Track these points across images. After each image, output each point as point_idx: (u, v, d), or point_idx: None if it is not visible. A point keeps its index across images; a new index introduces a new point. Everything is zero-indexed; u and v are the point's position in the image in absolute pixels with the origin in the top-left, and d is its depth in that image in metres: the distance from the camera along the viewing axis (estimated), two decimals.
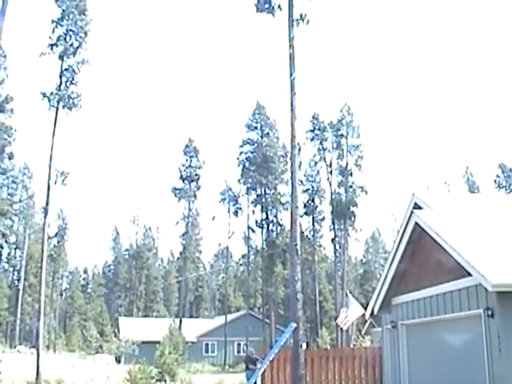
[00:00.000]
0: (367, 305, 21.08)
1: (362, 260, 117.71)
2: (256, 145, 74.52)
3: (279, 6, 34.73)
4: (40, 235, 55.89)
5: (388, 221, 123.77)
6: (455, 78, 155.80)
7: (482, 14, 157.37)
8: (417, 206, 17.38)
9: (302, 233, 69.40)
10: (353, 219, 72.03)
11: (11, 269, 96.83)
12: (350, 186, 72.02)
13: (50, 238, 79.78)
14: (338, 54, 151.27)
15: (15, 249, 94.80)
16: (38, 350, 34.52)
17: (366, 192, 72.09)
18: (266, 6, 34.63)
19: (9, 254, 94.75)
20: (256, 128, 75.77)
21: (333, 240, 74.83)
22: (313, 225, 77.75)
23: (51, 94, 42.23)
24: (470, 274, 13.41)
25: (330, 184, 74.12)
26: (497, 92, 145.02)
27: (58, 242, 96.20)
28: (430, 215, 16.40)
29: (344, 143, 73.76)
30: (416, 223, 16.80)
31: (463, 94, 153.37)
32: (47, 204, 40.87)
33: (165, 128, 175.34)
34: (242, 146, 75.07)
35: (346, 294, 33.65)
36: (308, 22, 34.37)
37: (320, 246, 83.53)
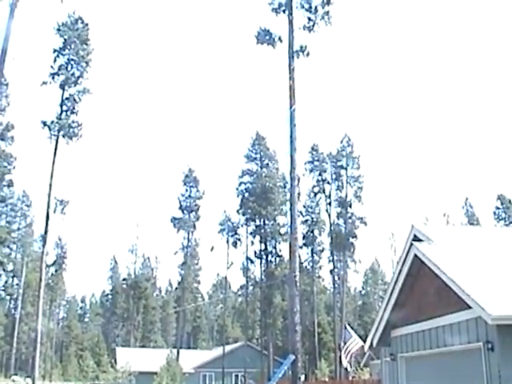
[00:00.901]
0: (366, 337, 20.94)
1: (360, 291, 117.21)
2: (255, 175, 74.56)
3: (280, 38, 35.14)
4: (38, 263, 55.81)
5: (387, 252, 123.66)
6: (454, 107, 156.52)
7: (478, 43, 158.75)
8: (416, 238, 17.35)
9: (300, 264, 69.15)
10: (352, 250, 71.93)
11: (8, 297, 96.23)
12: (350, 218, 72.01)
13: (47, 266, 79.45)
14: (337, 84, 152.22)
15: (13, 277, 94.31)
16: (33, 380, 34.29)
17: (366, 223, 72.08)
18: (267, 37, 35.03)
19: (6, 282, 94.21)
20: (255, 159, 75.86)
21: (332, 271, 74.66)
22: (312, 256, 77.64)
23: (52, 122, 42.47)
24: (469, 307, 13.34)
25: (329, 215, 74.20)
26: (496, 124, 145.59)
27: (56, 271, 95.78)
28: (430, 247, 16.38)
29: (343, 174, 73.91)
30: (415, 255, 16.76)
31: (463, 124, 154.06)
32: (46, 233, 40.88)
33: (164, 157, 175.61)
34: (241, 177, 75.11)
35: (345, 327, 33.51)
36: (308, 54, 34.77)
37: (319, 277, 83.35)
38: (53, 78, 44.22)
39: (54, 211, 41.06)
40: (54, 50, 45.36)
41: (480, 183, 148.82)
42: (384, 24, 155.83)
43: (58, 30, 45.69)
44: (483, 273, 15.01)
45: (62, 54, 45.23)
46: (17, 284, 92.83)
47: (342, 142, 75.08)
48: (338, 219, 73.49)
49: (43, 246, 42.69)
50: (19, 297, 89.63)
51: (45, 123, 42.63)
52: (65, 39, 45.54)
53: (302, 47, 35.11)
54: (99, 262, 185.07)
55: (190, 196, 75.23)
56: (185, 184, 75.73)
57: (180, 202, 74.66)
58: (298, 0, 36.21)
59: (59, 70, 44.43)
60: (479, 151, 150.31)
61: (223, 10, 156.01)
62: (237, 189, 74.50)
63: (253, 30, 35.51)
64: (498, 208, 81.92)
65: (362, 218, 72.22)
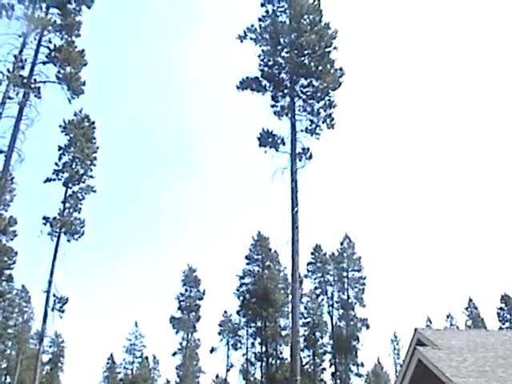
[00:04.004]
0: None
1: None
2: (256, 276, 73.91)
3: (282, 141, 35.76)
4: (33, 361, 54.58)
5: (390, 354, 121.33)
6: (454, 198, 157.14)
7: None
8: (420, 343, 17.09)
9: (302, 367, 67.74)
10: (354, 353, 70.66)
11: None
12: (351, 320, 71.15)
13: (43, 364, 77.81)
14: (339, 181, 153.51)
15: (6, 375, 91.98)
16: None
17: (368, 326, 71.09)
18: (269, 140, 35.67)
19: None
20: (257, 260, 75.41)
21: (333, 374, 73.02)
22: (313, 359, 76.01)
23: (54, 219, 42.58)
24: None
25: (331, 317, 73.28)
26: (499, 220, 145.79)
27: (51, 369, 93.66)
28: (434, 352, 16.08)
29: (345, 276, 73.65)
30: (419, 360, 16.43)
31: (465, 222, 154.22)
32: (43, 330, 40.29)
33: (164, 255, 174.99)
34: (242, 278, 74.42)
35: None
36: (311, 156, 35.31)
37: (321, 380, 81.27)
38: (57, 175, 44.73)
39: (53, 309, 40.60)
40: (59, 148, 46.09)
41: (483, 283, 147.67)
42: (382, 117, 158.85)
43: (64, 127, 46.56)
44: (489, 378, 14.66)
45: (67, 152, 45.92)
46: (9, 382, 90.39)
47: (342, 243, 75.24)
48: (340, 321, 72.61)
49: (39, 343, 42.03)
50: None
51: (47, 219, 42.77)
52: (70, 137, 46.35)
53: (304, 149, 35.67)
54: (96, 361, 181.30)
55: (190, 296, 74.50)
56: (185, 284, 75.16)
57: (179, 302, 73.86)
58: (301, 103, 37.12)
59: (63, 167, 45.00)
60: (482, 251, 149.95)
61: (227, 110, 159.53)
62: (237, 290, 73.73)
63: (255, 128, 36.27)
64: (502, 309, 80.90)
65: (364, 321, 71.37)
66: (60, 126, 46.41)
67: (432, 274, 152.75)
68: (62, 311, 41.41)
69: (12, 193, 55.66)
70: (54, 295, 40.94)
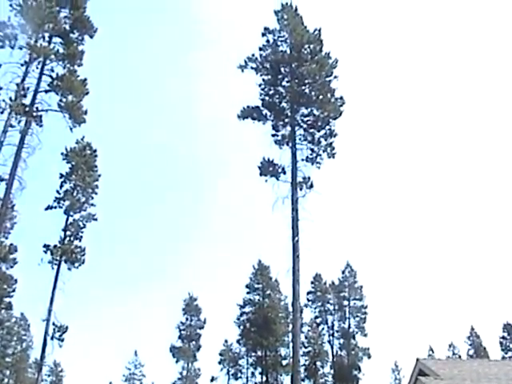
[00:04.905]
0: None
1: None
2: (257, 306, 73.46)
3: (283, 170, 35.87)
4: None
5: (391, 383, 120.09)
6: (458, 221, 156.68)
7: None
8: (422, 373, 16.99)
9: None
10: (355, 383, 70.06)
11: None
12: (353, 349, 70.67)
13: None
14: (339, 211, 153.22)
15: None
16: None
17: (369, 356, 70.58)
18: (270, 169, 35.77)
19: None
20: (257, 289, 75.00)
21: None
22: None
23: (54, 247, 42.51)
24: None
25: (332, 346, 72.80)
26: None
27: None
28: (436, 382, 16.00)
29: (346, 305, 73.35)
30: None
31: (469, 251, 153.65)
32: (42, 359, 40.06)
33: (164, 283, 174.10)
34: (242, 307, 73.95)
35: None
36: (312, 185, 35.38)
37: None
38: (58, 202, 44.75)
39: (52, 338, 40.33)
40: (61, 176, 46.15)
41: (485, 312, 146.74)
42: (382, 145, 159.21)
43: (66, 155, 46.67)
44: None
45: (69, 180, 45.98)
46: None
47: (343, 272, 75.00)
48: (341, 351, 72.12)
49: (38, 372, 41.70)
50: None
51: (48, 247, 42.68)
52: (72, 165, 46.44)
53: (305, 179, 35.74)
54: None
55: (190, 325, 74.01)
56: (185, 313, 74.71)
57: (180, 331, 73.33)
58: (301, 132, 37.28)
59: (65, 195, 45.04)
60: (485, 279, 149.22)
61: (228, 138, 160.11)
62: (238, 319, 73.22)
63: (255, 157, 36.33)
64: (504, 338, 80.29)
65: (365, 350, 70.89)
66: (62, 153, 46.55)
67: (434, 303, 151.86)
68: (62, 340, 41.12)
69: (12, 220, 55.53)
70: (54, 324, 40.72)
